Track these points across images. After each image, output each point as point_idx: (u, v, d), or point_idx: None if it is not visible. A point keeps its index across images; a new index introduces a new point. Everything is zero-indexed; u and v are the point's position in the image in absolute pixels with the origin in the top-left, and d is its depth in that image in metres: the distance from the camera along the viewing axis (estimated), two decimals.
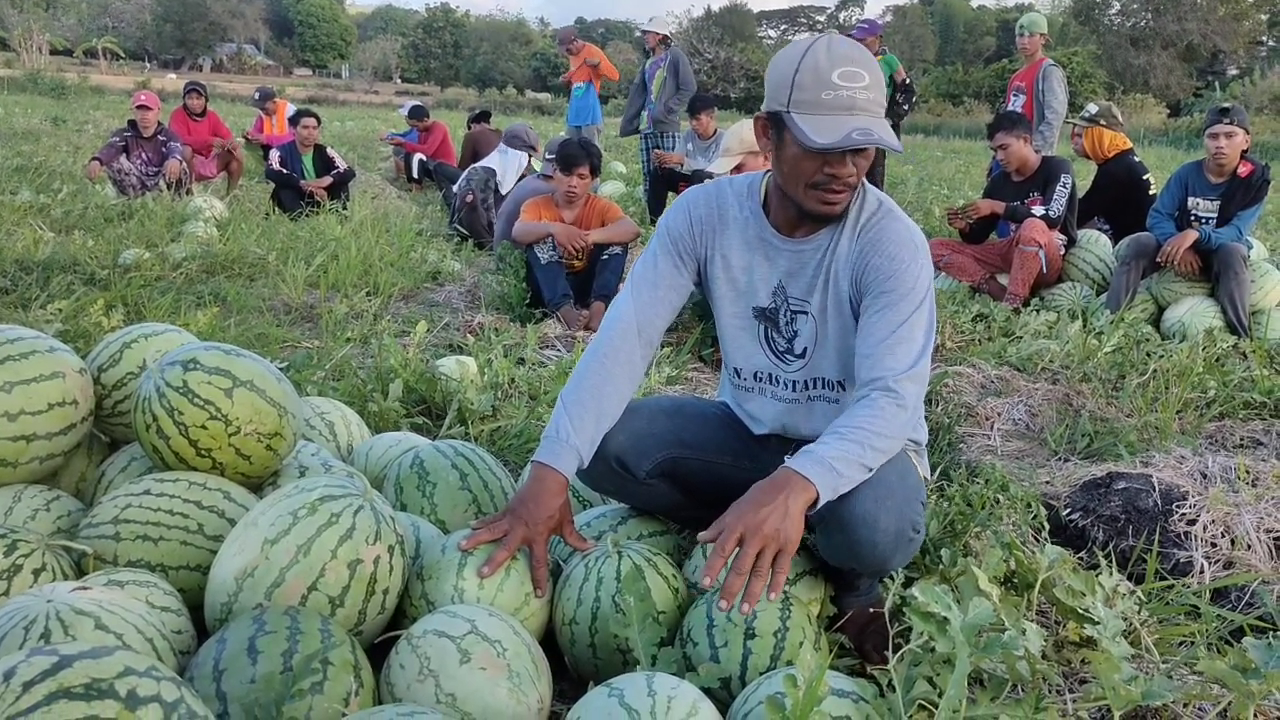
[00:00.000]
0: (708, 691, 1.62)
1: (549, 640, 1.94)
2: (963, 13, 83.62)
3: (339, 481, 1.83)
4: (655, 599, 1.83)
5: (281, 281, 5.21)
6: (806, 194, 1.84)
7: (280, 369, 2.50)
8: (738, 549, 1.61)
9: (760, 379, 2.13)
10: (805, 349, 2.06)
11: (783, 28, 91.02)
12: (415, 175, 10.67)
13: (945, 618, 1.58)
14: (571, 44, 9.76)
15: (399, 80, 77.13)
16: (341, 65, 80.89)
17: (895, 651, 1.65)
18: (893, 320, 1.83)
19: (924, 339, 1.85)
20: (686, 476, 2.16)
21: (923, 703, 1.55)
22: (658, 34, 8.73)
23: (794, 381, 2.10)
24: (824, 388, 2.11)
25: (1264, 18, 54.35)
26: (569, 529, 1.96)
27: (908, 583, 2.05)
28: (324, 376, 3.38)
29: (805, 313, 2.02)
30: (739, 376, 2.16)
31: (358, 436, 2.69)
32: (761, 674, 1.67)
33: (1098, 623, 1.75)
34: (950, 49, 76.65)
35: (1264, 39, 56.39)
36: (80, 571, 1.83)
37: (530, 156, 7.60)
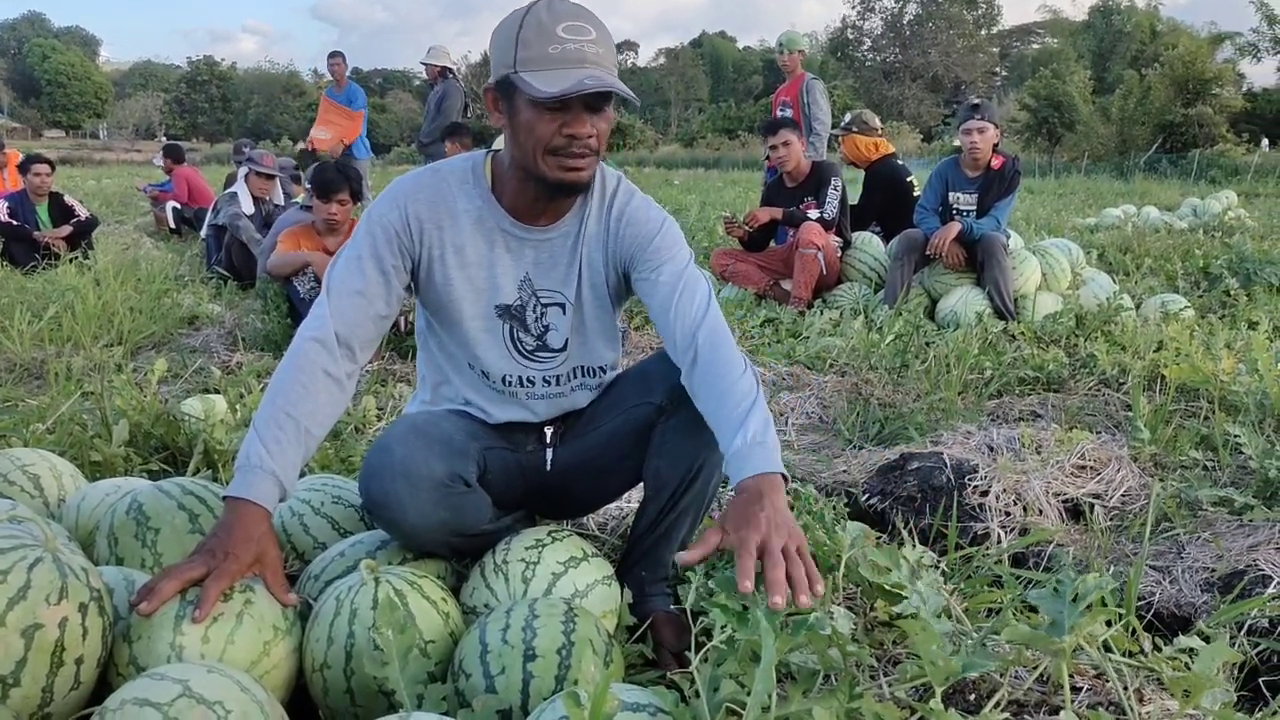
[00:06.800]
0: None
1: (301, 695, 1.63)
2: (730, 54, 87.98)
3: (6, 531, 1.46)
4: (421, 627, 1.57)
5: (5, 337, 4.57)
6: (546, 162, 1.67)
7: None
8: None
9: (510, 383, 1.93)
10: (565, 341, 1.91)
11: None
12: (174, 225, 9.90)
13: (745, 606, 1.41)
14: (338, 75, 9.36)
15: (164, 138, 72.75)
16: (98, 124, 75.61)
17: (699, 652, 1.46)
18: (678, 272, 1.81)
19: (705, 281, 1.83)
20: (486, 474, 1.90)
21: (730, 705, 1.35)
22: (435, 66, 8.74)
23: (555, 377, 1.95)
24: (587, 375, 1.99)
25: (995, 50, 59.92)
26: (273, 574, 1.61)
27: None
28: (42, 431, 2.91)
29: (559, 304, 1.88)
30: (487, 379, 1.93)
31: (71, 489, 2.27)
32: (545, 699, 1.44)
33: (906, 597, 1.63)
34: (722, 88, 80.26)
35: (998, 69, 62.21)
36: None
37: (249, 171, 7.11)
